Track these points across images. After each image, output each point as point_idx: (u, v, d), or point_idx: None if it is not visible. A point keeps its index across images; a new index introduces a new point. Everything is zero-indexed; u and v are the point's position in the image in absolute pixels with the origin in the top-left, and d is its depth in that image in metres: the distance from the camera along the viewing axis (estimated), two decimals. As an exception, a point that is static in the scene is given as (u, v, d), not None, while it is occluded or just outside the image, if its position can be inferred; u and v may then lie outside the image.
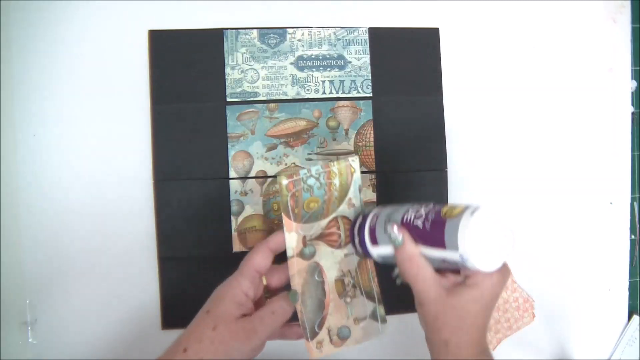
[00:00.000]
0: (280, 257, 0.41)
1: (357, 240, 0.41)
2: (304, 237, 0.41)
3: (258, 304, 0.39)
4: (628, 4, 0.59)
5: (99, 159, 0.52)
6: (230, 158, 0.53)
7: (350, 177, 0.42)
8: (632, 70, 0.59)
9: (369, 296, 0.42)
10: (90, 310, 0.51)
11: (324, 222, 0.41)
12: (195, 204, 0.52)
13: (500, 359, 0.57)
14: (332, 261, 0.41)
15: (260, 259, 0.39)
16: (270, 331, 0.37)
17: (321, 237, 0.41)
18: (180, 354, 0.35)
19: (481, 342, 0.35)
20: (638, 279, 0.60)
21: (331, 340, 0.41)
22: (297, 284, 0.40)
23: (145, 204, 0.52)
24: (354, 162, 0.42)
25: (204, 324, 0.36)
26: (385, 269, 0.41)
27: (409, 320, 0.55)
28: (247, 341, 0.36)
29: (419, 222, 0.34)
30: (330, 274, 0.41)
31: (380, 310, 0.42)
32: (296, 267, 0.40)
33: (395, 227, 0.35)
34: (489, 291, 0.34)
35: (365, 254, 0.41)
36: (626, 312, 0.59)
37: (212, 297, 0.38)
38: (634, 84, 0.60)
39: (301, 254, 0.40)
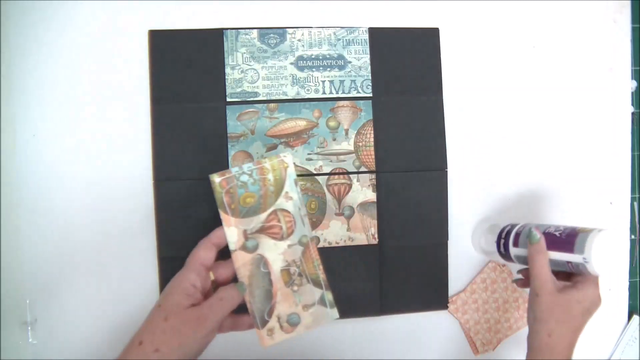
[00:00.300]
0: (227, 254, 0.44)
1: (502, 242, 0.51)
2: (245, 231, 0.44)
3: (207, 297, 0.41)
4: (628, 4, 0.59)
5: (99, 159, 0.52)
6: (230, 158, 0.53)
7: (284, 172, 0.45)
8: (632, 70, 0.59)
9: (316, 283, 0.44)
10: (90, 310, 0.52)
11: (263, 216, 0.44)
12: (195, 204, 0.52)
13: (500, 359, 0.57)
14: (276, 252, 0.44)
15: (203, 253, 0.42)
16: (219, 317, 0.39)
17: (262, 230, 0.44)
18: (136, 348, 0.37)
19: (574, 342, 0.42)
20: (638, 279, 0.60)
21: (282, 327, 0.43)
22: (243, 276, 0.43)
23: (145, 204, 0.52)
24: (286, 157, 0.45)
25: (156, 317, 0.38)
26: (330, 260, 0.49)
27: (409, 320, 0.55)
28: (198, 328, 0.38)
29: (557, 232, 0.46)
30: (276, 265, 0.44)
31: (328, 295, 0.44)
32: (240, 260, 0.43)
33: (536, 229, 0.46)
34: (590, 297, 0.42)
35: (504, 252, 0.51)
36: (626, 312, 0.59)
37: (163, 292, 0.40)
38: (634, 84, 0.60)
39: (244, 248, 0.43)
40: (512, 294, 0.56)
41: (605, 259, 0.43)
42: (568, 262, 0.44)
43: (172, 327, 0.38)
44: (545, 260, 0.43)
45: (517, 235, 0.50)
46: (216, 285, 0.43)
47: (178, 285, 0.39)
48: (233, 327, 0.44)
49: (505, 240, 0.51)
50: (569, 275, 0.45)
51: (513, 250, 0.50)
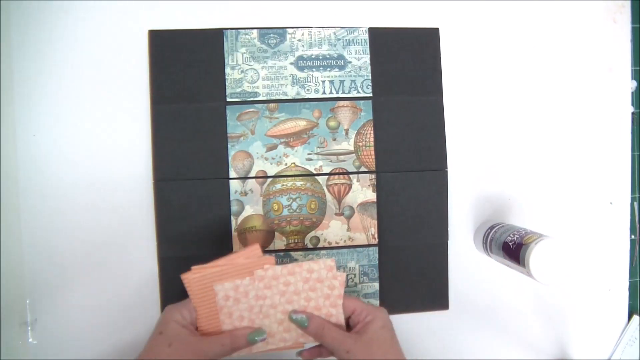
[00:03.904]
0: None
1: (485, 247, 0.54)
2: None
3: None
4: (628, 4, 0.59)
5: (99, 158, 0.52)
6: (230, 158, 0.53)
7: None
8: (632, 70, 0.59)
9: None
10: (90, 310, 0.52)
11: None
12: (195, 204, 0.52)
13: (501, 359, 0.57)
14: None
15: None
16: (217, 356, 0.41)
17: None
18: None
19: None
20: (638, 279, 0.60)
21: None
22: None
23: (145, 204, 0.52)
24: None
25: (160, 343, 0.40)
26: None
27: (409, 320, 0.55)
28: (199, 357, 0.40)
29: (510, 243, 0.49)
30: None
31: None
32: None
33: (296, 313, 0.44)
34: (386, 319, 0.44)
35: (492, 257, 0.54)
36: (626, 312, 0.59)
37: (161, 320, 0.42)
38: (634, 84, 0.60)
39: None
40: (328, 307, 0.45)
41: (547, 269, 0.45)
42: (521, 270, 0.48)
43: (176, 352, 0.40)
44: (332, 331, 0.43)
45: (491, 241, 0.52)
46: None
47: (173, 317, 0.42)
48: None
49: (486, 246, 0.53)
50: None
51: (494, 257, 0.53)
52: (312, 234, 0.54)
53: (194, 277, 0.43)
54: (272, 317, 0.44)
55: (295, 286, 0.44)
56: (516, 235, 0.49)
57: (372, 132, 0.54)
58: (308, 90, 0.54)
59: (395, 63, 0.55)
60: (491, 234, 0.53)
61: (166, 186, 0.52)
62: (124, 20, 0.52)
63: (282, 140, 0.53)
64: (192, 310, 0.43)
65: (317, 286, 0.45)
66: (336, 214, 0.54)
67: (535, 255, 0.45)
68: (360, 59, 0.55)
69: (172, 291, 0.51)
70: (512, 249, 0.48)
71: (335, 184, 0.54)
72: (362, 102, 0.54)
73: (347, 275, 0.48)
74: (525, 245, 0.47)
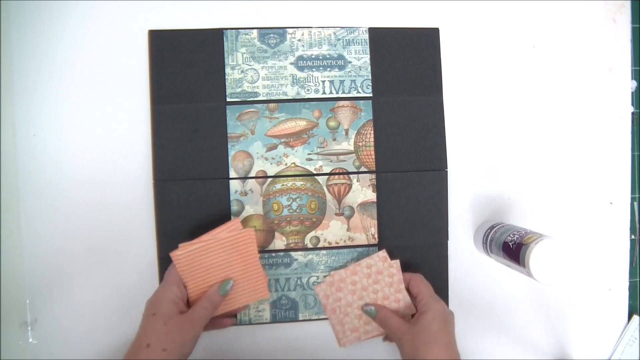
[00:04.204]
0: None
1: (485, 248, 0.54)
2: None
3: (185, 302, 0.48)
4: (628, 4, 0.59)
5: (99, 158, 0.52)
6: (230, 158, 0.53)
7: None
8: (632, 70, 0.59)
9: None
10: (90, 310, 0.52)
11: None
12: (195, 204, 0.52)
13: (501, 359, 0.57)
14: None
15: (176, 271, 0.48)
16: (206, 320, 0.46)
17: None
18: (145, 350, 0.42)
19: (452, 353, 0.46)
20: (638, 279, 0.60)
21: None
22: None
23: (145, 204, 0.52)
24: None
25: (156, 322, 0.44)
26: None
27: (409, 320, 0.55)
28: (192, 331, 0.45)
29: (510, 243, 0.49)
30: None
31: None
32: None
33: (368, 306, 0.51)
34: (439, 311, 0.47)
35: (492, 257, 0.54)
36: (626, 312, 0.59)
37: (150, 303, 0.46)
38: (634, 84, 0.60)
39: None
40: (394, 293, 0.52)
41: (547, 269, 0.46)
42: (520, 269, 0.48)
43: (172, 329, 0.43)
44: (392, 320, 0.48)
45: (491, 241, 0.52)
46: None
47: (166, 297, 0.45)
48: (214, 327, 0.51)
49: (486, 246, 0.54)
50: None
51: (494, 257, 0.53)
52: (312, 234, 0.54)
53: (181, 254, 0.47)
54: (351, 315, 0.52)
55: (361, 283, 0.52)
56: (516, 235, 0.49)
57: (372, 132, 0.54)
58: (308, 90, 0.54)
59: (395, 63, 0.55)
60: (491, 234, 0.53)
61: (166, 186, 0.52)
62: (124, 20, 0.52)
63: (282, 140, 0.53)
64: (181, 286, 0.47)
65: (379, 278, 0.52)
66: (336, 214, 0.54)
67: (535, 255, 0.46)
68: (360, 59, 0.55)
69: (172, 291, 0.51)
70: (512, 249, 0.48)
71: (335, 184, 0.54)
72: (362, 102, 0.54)
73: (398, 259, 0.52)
74: (525, 245, 0.47)
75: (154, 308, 0.45)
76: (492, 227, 0.53)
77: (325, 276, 0.53)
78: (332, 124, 0.54)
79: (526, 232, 0.49)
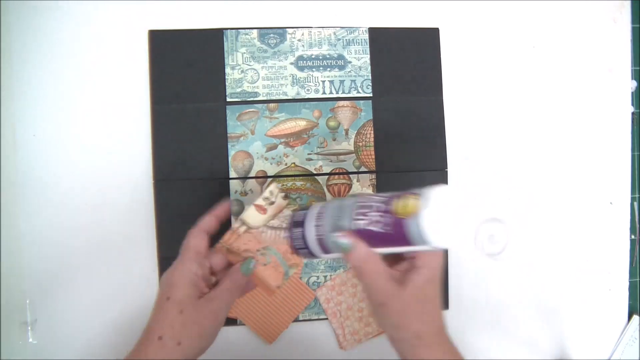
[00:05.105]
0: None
1: (302, 251, 0.39)
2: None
3: (207, 283, 0.41)
4: (628, 4, 0.59)
5: (99, 159, 0.52)
6: (230, 158, 0.53)
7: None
8: (632, 70, 0.59)
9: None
10: (90, 311, 0.51)
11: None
12: (195, 204, 0.52)
13: (500, 359, 0.57)
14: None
15: (197, 241, 0.41)
16: (229, 306, 0.40)
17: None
18: (156, 343, 0.36)
19: (442, 325, 0.37)
20: (638, 279, 0.60)
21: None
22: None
23: (145, 204, 0.52)
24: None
25: (170, 310, 0.37)
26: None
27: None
28: (215, 319, 0.38)
29: (375, 228, 0.33)
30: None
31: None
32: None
33: (343, 237, 0.34)
34: (437, 268, 0.36)
35: (312, 257, 0.39)
36: (626, 312, 0.59)
37: (165, 284, 0.39)
38: (634, 84, 0.60)
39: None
40: None
41: (454, 229, 0.32)
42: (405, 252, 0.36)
43: (190, 319, 0.37)
44: (375, 266, 0.35)
45: (321, 241, 0.37)
46: (212, 271, 0.42)
47: (183, 277, 0.38)
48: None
49: (307, 248, 0.38)
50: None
51: (326, 256, 0.39)
52: (312, 234, 0.54)
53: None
54: (351, 318, 0.52)
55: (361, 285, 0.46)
56: (371, 215, 0.34)
57: (372, 132, 0.54)
58: (308, 90, 0.54)
59: (395, 63, 0.55)
60: (313, 232, 0.37)
61: (166, 186, 0.52)
62: (124, 20, 0.52)
63: (282, 140, 0.53)
64: (202, 260, 0.40)
65: None
66: (336, 214, 0.54)
67: (435, 224, 0.31)
68: (360, 59, 0.55)
69: (172, 291, 0.51)
70: (388, 233, 0.33)
71: (336, 184, 0.54)
72: (362, 102, 0.54)
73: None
74: (408, 220, 0.32)
75: (168, 290, 0.38)
76: (314, 224, 0.38)
77: (325, 276, 0.53)
78: (332, 124, 0.54)
79: (384, 198, 0.34)
